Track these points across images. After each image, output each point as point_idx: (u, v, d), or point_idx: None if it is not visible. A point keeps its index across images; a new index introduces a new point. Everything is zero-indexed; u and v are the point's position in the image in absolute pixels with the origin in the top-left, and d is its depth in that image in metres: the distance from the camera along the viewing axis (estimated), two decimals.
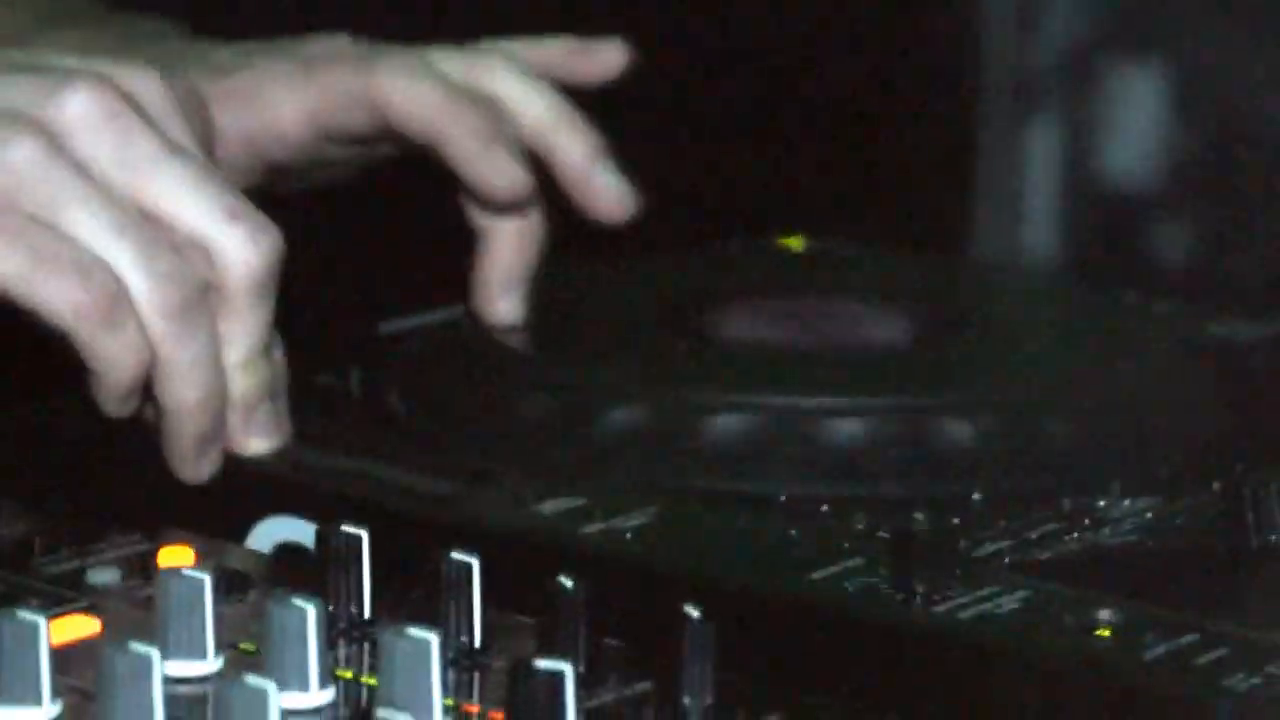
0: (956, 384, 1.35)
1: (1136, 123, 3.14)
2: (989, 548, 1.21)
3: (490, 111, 1.48)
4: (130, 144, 1.19)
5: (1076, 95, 3.17)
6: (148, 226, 1.19)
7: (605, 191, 1.50)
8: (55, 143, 1.18)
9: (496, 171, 1.44)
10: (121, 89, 1.21)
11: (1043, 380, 1.37)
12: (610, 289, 1.53)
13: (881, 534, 1.21)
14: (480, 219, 1.49)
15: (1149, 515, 1.24)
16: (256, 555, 1.22)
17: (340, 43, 1.56)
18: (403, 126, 1.48)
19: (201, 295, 1.20)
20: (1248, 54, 3.11)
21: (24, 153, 1.18)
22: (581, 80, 1.57)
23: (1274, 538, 1.17)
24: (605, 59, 1.59)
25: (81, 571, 1.18)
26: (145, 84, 1.22)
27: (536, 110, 1.50)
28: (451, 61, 1.52)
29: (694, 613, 1.05)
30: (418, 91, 1.48)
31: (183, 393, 1.21)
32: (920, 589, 1.15)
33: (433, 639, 1.02)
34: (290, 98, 1.50)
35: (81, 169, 1.18)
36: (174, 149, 1.21)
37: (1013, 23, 3.18)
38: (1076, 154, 3.15)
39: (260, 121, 1.49)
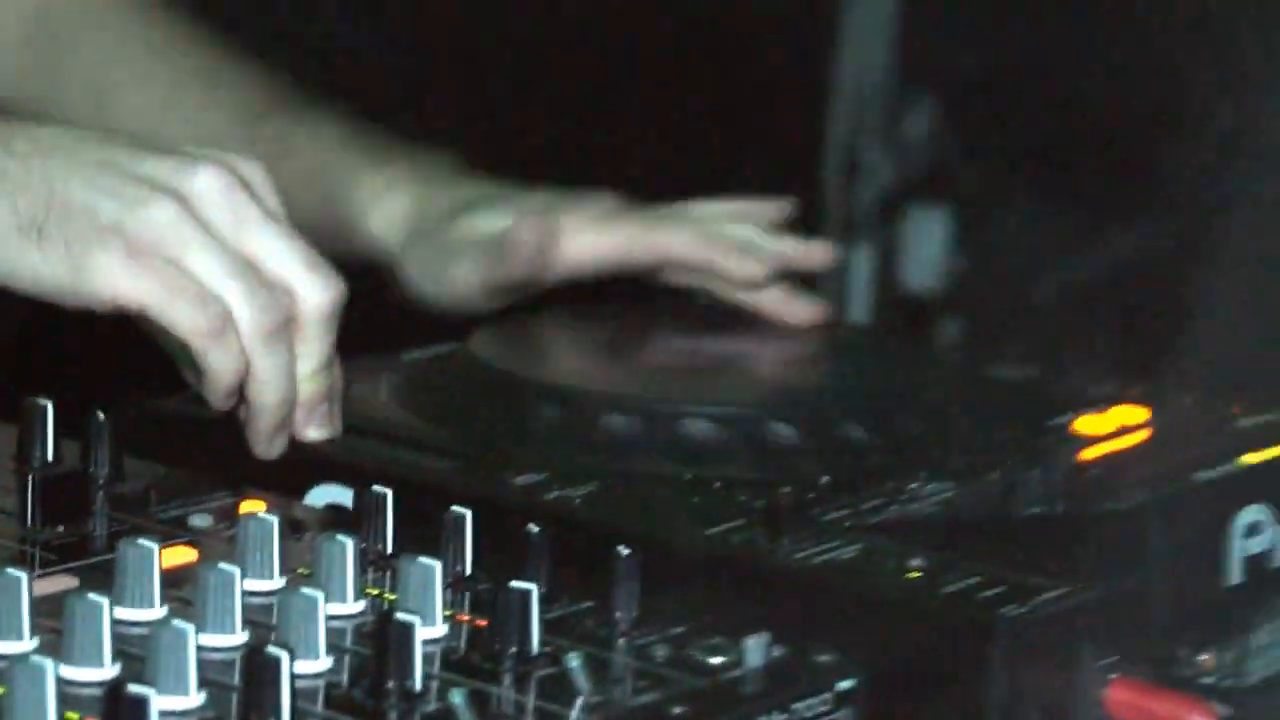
0: (816, 403, 1.33)
1: (929, 250, 3.15)
2: (834, 514, 1.20)
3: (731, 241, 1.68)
4: (240, 211, 1.19)
5: (886, 229, 3.18)
6: (250, 271, 1.18)
7: (815, 252, 1.81)
8: (187, 206, 1.17)
9: (742, 269, 1.64)
10: (235, 171, 1.19)
11: (875, 402, 1.34)
12: (567, 330, 1.52)
13: (757, 504, 1.19)
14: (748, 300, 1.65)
15: (947, 494, 1.23)
16: (311, 509, 1.21)
17: (611, 201, 1.73)
18: (680, 260, 1.66)
19: (285, 324, 1.19)
20: (1011, 203, 3.11)
21: (164, 213, 1.17)
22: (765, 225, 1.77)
23: (1036, 510, 1.15)
24: (776, 209, 1.80)
25: (185, 517, 1.17)
26: (251, 169, 1.21)
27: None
28: (708, 211, 1.74)
29: (624, 552, 1.04)
30: (688, 238, 1.67)
31: (266, 394, 1.20)
32: (785, 542, 1.14)
33: (436, 567, 1.03)
34: (596, 238, 1.64)
35: (205, 227, 1.17)
36: (271, 216, 1.20)
37: (841, 173, 3.18)
38: (885, 270, 3.17)
39: (566, 251, 1.62)
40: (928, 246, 3.17)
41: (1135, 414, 1.37)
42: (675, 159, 3.04)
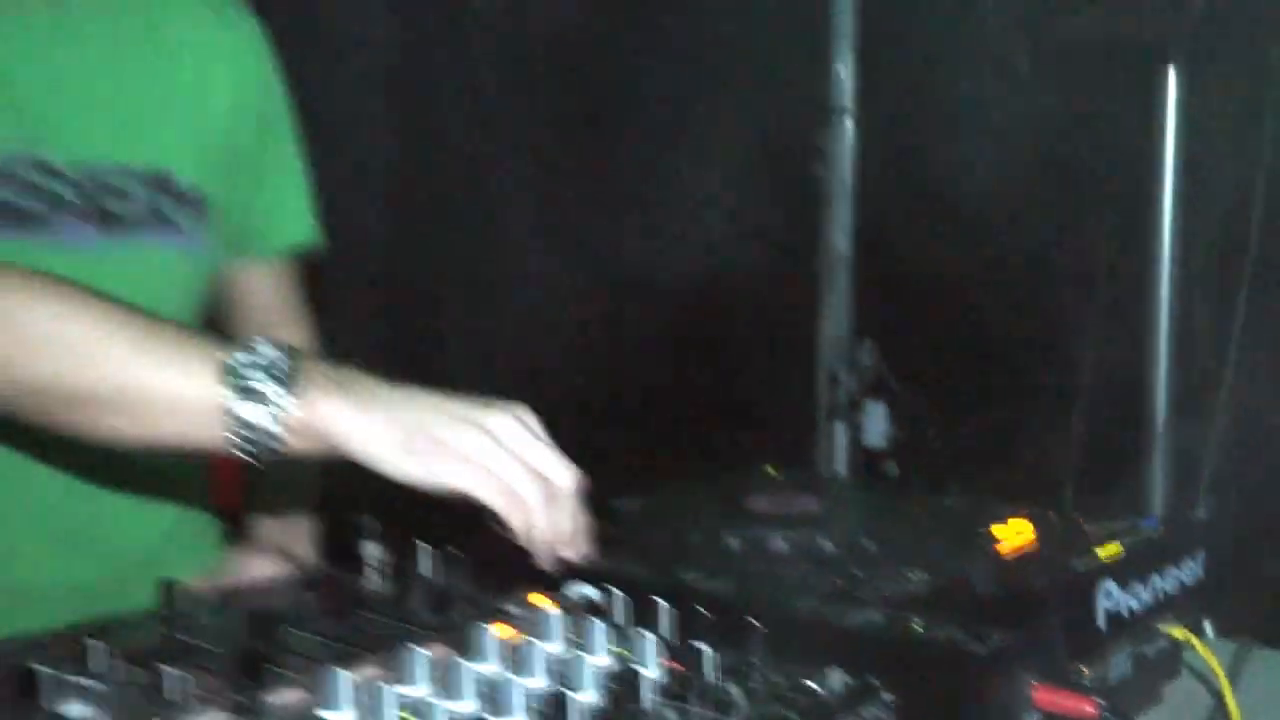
0: (846, 528, 1.26)
1: (876, 426, 3.13)
2: (864, 594, 1.12)
3: None
4: (520, 437, 1.15)
5: (853, 414, 3.14)
6: (527, 470, 1.14)
7: None
8: (490, 435, 1.13)
9: None
10: (515, 413, 1.16)
11: (879, 524, 1.28)
12: (690, 495, 1.44)
13: (822, 589, 1.12)
14: None
15: (926, 579, 1.16)
16: (571, 599, 1.13)
17: None
18: None
19: (550, 497, 1.14)
20: (920, 400, 3.07)
21: (479, 439, 1.13)
22: None
23: (980, 586, 1.10)
24: None
25: (503, 606, 1.12)
26: (524, 411, 1.17)
27: None
28: None
29: (755, 623, 0.99)
30: None
31: (542, 535, 1.14)
32: (840, 611, 1.07)
33: (652, 638, 0.99)
34: None
35: (500, 446, 1.13)
36: (537, 440, 1.16)
37: (827, 384, 3.15)
38: (853, 438, 3.16)
39: None
40: (876, 424, 3.13)
41: (1024, 525, 1.31)
42: (720, 389, 3.05)
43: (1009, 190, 2.76)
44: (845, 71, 3.07)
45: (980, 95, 2.73)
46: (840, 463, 3.15)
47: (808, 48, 3.06)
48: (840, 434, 3.17)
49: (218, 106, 1.46)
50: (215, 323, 1.54)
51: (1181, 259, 2.37)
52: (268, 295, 1.60)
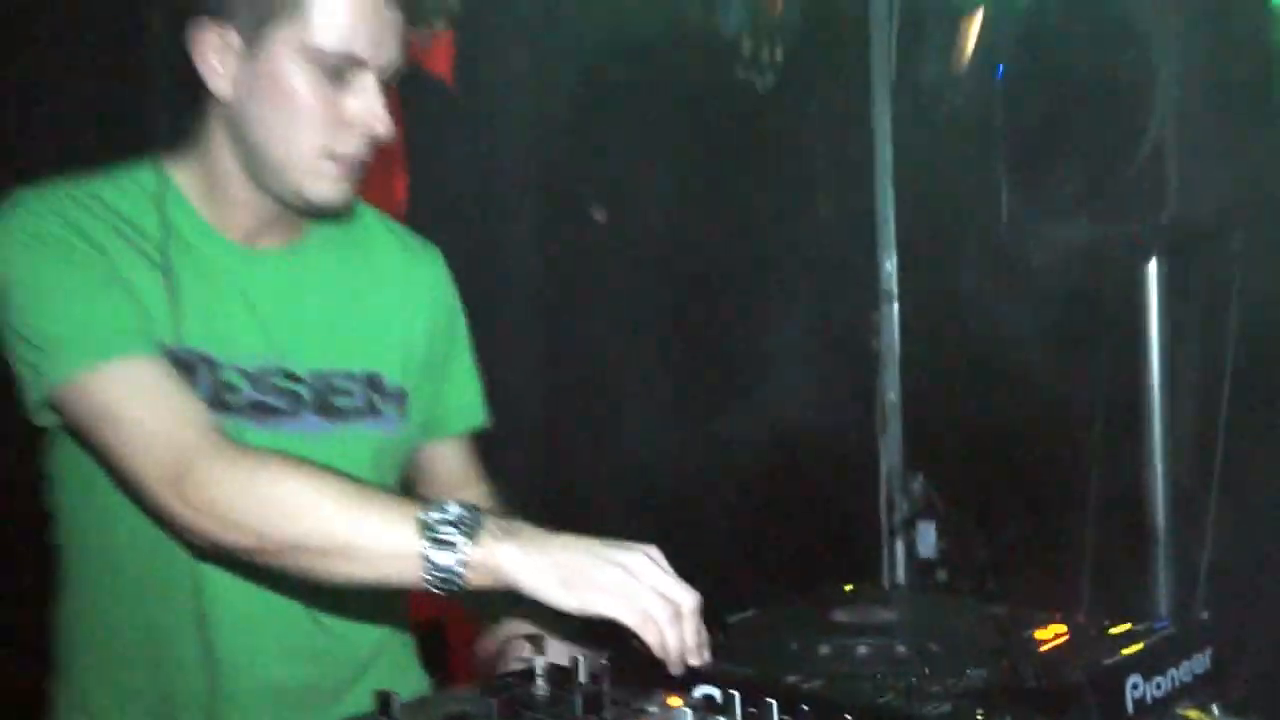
0: (914, 633, 1.23)
1: (928, 541, 3.01)
2: (932, 690, 1.09)
3: None
4: (652, 572, 1.15)
5: (909, 532, 3.06)
6: (657, 595, 1.13)
7: None
8: (627, 570, 1.14)
9: None
10: (646, 552, 1.15)
11: (943, 629, 1.24)
12: (786, 611, 1.40)
13: (899, 685, 1.09)
14: None
15: (984, 675, 1.13)
16: (696, 699, 1.12)
17: None
18: None
19: (676, 616, 1.13)
20: (962, 515, 3.00)
21: (617, 575, 1.14)
22: None
23: (1027, 682, 1.06)
24: None
25: (645, 707, 1.09)
26: (654, 551, 1.16)
27: None
28: None
29: (847, 716, 0.95)
30: None
31: (675, 645, 1.13)
32: (913, 705, 1.04)
33: None
34: None
35: (635, 579, 1.13)
36: (664, 572, 1.15)
37: (885, 509, 3.08)
38: (909, 552, 3.07)
39: None
40: (927, 539, 3.07)
41: (1059, 627, 1.26)
42: (802, 516, 3.01)
43: (1026, 351, 2.74)
44: (890, 264, 3.09)
45: (996, 281, 2.72)
46: (899, 570, 3.08)
47: (860, 247, 3.09)
48: (899, 548, 3.11)
49: (417, 323, 1.50)
50: (408, 487, 1.55)
51: (1171, 402, 2.32)
52: (451, 466, 1.61)
